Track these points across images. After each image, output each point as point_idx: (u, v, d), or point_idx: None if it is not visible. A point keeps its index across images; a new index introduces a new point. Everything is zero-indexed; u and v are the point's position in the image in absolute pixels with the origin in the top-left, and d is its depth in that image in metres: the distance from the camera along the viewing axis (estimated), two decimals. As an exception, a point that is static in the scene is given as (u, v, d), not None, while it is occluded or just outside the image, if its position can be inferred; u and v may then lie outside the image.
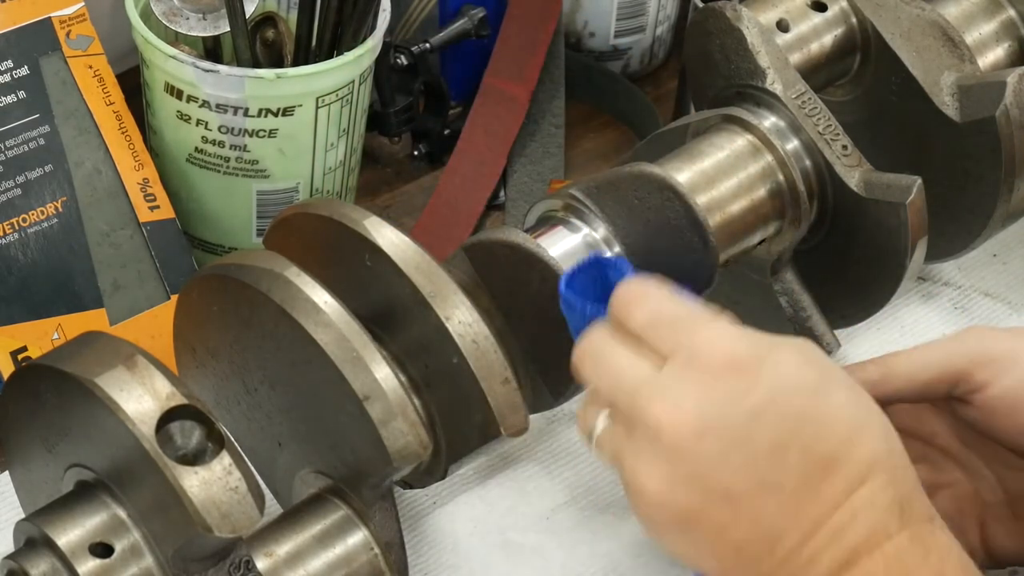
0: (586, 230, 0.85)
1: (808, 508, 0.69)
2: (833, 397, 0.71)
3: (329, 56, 0.99)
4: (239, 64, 0.98)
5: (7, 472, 0.82)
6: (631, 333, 0.73)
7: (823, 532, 0.69)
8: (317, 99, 0.97)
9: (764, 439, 0.69)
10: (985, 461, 0.81)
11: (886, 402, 0.78)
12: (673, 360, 0.70)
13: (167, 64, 0.96)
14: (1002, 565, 0.80)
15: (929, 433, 0.82)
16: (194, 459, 0.69)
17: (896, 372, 0.80)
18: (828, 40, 0.95)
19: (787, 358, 0.71)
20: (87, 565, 0.72)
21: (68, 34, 0.98)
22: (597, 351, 0.73)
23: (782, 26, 0.95)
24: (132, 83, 1.03)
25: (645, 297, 0.73)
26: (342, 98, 0.98)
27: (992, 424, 0.80)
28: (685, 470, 0.69)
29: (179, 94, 0.97)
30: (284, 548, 0.77)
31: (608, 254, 0.84)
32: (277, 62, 1.01)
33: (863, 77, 0.97)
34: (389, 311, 0.80)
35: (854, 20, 0.96)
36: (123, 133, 0.98)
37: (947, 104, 0.94)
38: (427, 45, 1.11)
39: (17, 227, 0.94)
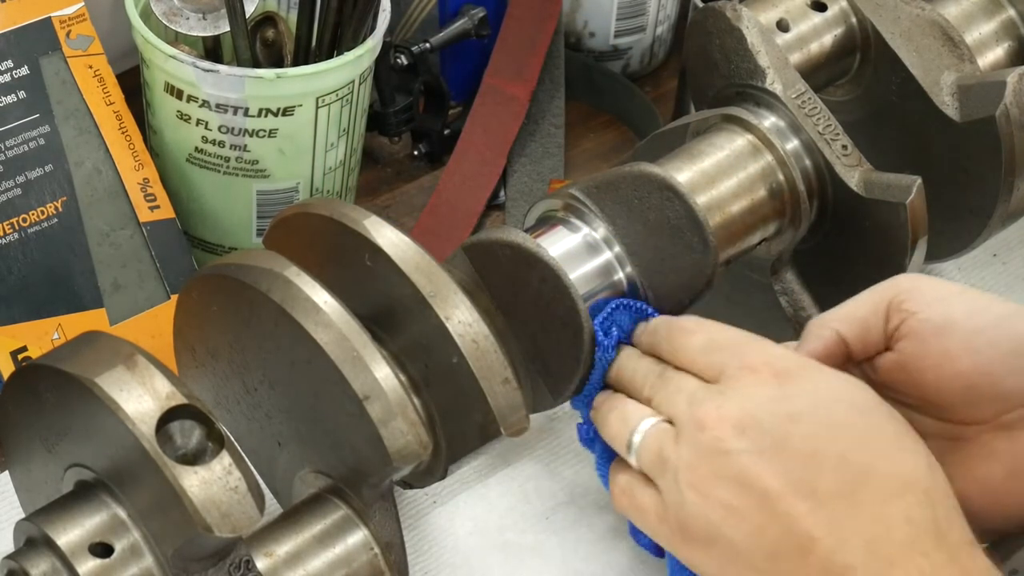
0: (586, 230, 0.85)
1: (841, 515, 0.70)
2: (875, 416, 0.74)
3: (329, 56, 0.99)
4: (239, 64, 0.98)
5: (7, 472, 0.82)
6: (681, 360, 0.78)
7: (856, 542, 0.70)
8: (317, 99, 0.97)
9: (801, 443, 0.72)
10: None
11: (827, 353, 0.80)
12: (725, 374, 0.75)
13: (167, 64, 0.96)
14: None
15: None
16: (194, 459, 0.69)
17: (835, 315, 0.81)
18: (828, 40, 0.96)
19: (834, 377, 0.75)
20: (87, 565, 0.72)
21: (68, 34, 0.98)
22: (658, 370, 0.79)
23: (782, 26, 0.95)
24: (132, 83, 1.03)
25: (700, 326, 0.79)
26: (342, 98, 0.98)
27: (919, 360, 0.79)
28: (724, 465, 0.72)
29: (179, 94, 0.97)
30: (284, 548, 0.77)
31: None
32: (277, 62, 1.01)
33: (863, 77, 0.97)
34: (389, 311, 0.80)
35: (854, 20, 0.96)
36: (123, 133, 0.98)
37: (947, 104, 0.94)
38: (427, 45, 1.11)
39: (17, 227, 0.94)
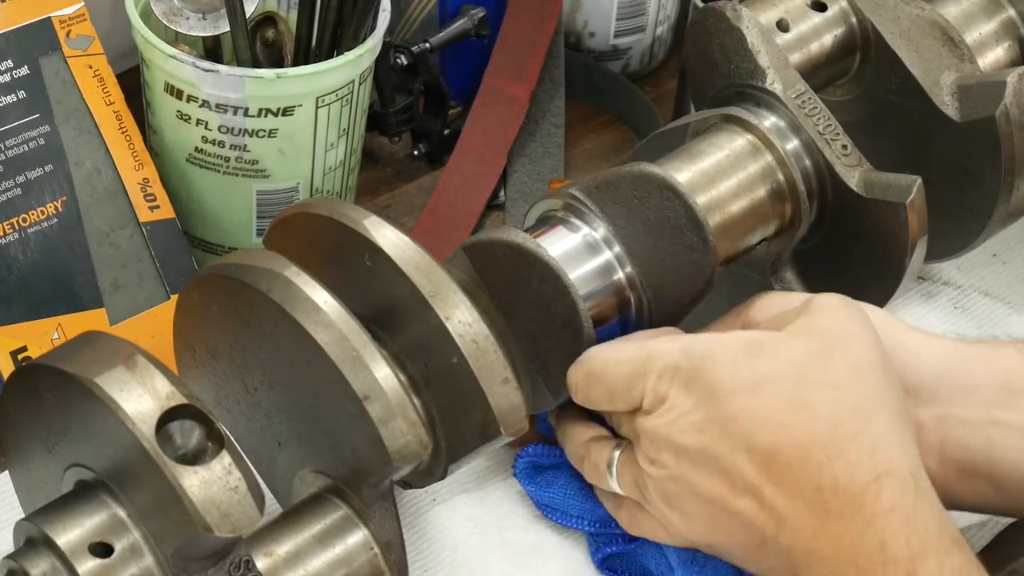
0: (586, 230, 0.85)
1: (771, 498, 0.74)
2: (769, 388, 0.76)
3: (329, 56, 0.99)
4: (239, 64, 0.98)
5: (7, 472, 0.82)
6: (598, 408, 0.83)
7: (793, 517, 0.74)
8: (317, 99, 0.97)
9: (717, 448, 0.76)
10: None
11: None
12: (643, 407, 0.79)
13: (167, 64, 0.96)
14: None
15: None
16: (194, 459, 0.69)
17: (704, 330, 0.85)
18: (828, 40, 0.96)
19: (724, 358, 0.77)
20: (87, 565, 0.72)
21: (68, 34, 0.98)
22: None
23: (782, 26, 0.95)
24: (132, 83, 1.03)
25: (589, 377, 0.82)
26: (342, 98, 0.98)
27: None
28: (682, 487, 0.77)
29: (179, 94, 0.97)
30: (284, 548, 0.77)
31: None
32: (277, 62, 1.01)
33: (863, 77, 0.97)
34: (389, 311, 0.80)
35: (854, 20, 0.96)
36: (123, 133, 0.98)
37: (947, 104, 0.94)
38: (427, 45, 1.11)
39: (17, 227, 0.94)
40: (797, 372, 0.76)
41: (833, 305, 0.79)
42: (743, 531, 0.75)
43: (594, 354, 0.82)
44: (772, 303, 0.84)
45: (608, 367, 0.81)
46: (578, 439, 0.84)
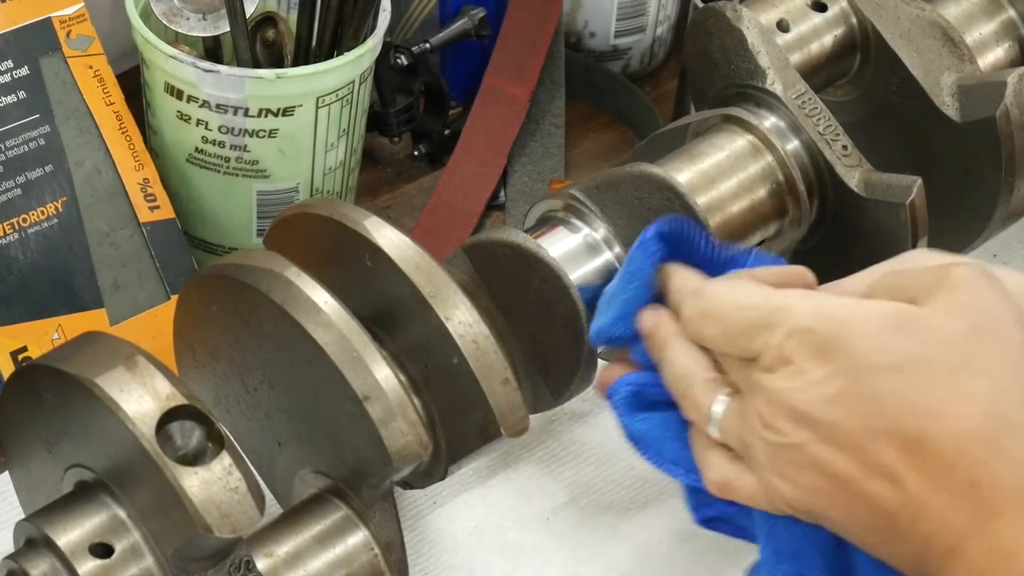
0: (586, 230, 0.85)
1: (910, 485, 0.68)
2: (918, 368, 0.69)
3: (329, 56, 0.99)
4: (239, 64, 0.98)
5: (7, 472, 0.82)
6: (709, 346, 0.76)
7: (934, 508, 0.68)
8: (317, 99, 0.97)
9: (852, 423, 0.69)
10: None
11: None
12: (761, 363, 0.72)
13: (167, 64, 0.96)
14: None
15: None
16: (194, 459, 0.69)
17: (841, 287, 0.78)
18: (828, 40, 0.96)
19: (867, 330, 0.70)
20: (87, 565, 0.72)
21: (68, 34, 0.98)
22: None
23: (782, 26, 0.95)
24: (132, 83, 1.03)
25: (709, 313, 0.75)
26: (342, 98, 0.98)
27: None
28: (798, 456, 0.71)
29: (179, 94, 0.97)
30: (284, 548, 0.77)
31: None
32: (277, 62, 1.01)
33: (863, 77, 0.97)
34: (389, 311, 0.80)
35: (854, 20, 0.96)
36: (123, 133, 0.98)
37: (947, 104, 0.94)
38: (427, 45, 1.12)
39: (17, 227, 0.94)
40: (950, 354, 0.69)
41: (973, 278, 0.71)
42: (868, 512, 0.69)
43: (715, 292, 0.76)
44: (915, 259, 0.76)
45: (729, 310, 0.74)
46: (682, 367, 0.77)
